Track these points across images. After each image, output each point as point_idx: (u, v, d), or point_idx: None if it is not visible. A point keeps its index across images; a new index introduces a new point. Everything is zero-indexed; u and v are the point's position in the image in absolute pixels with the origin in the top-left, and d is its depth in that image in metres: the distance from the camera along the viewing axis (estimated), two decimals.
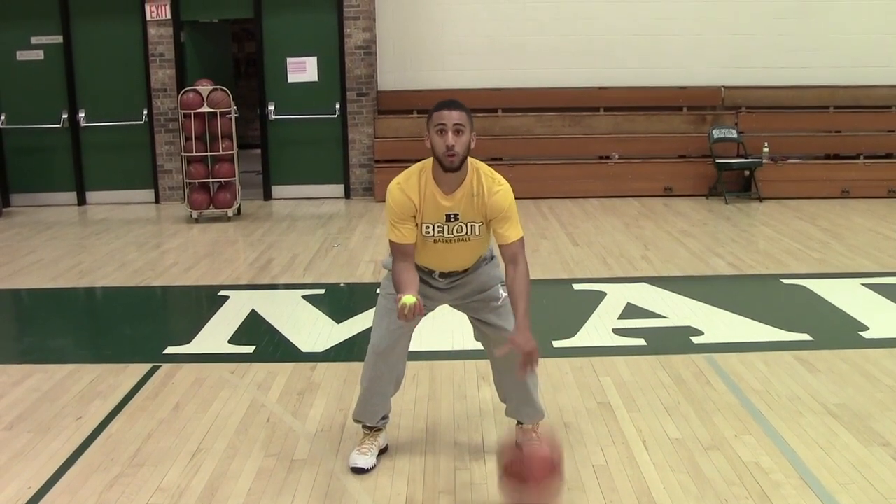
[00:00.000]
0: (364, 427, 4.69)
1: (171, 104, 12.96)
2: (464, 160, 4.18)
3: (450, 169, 4.16)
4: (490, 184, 4.25)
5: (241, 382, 5.86)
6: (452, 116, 4.14)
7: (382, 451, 4.72)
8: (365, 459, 4.57)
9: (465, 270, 4.48)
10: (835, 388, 5.57)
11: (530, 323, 4.14)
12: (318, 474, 4.54)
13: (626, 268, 8.82)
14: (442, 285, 4.46)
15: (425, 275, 4.47)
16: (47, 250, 10.11)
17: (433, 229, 4.30)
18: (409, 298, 4.01)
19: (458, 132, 4.11)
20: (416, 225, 4.31)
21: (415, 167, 4.32)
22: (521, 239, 4.31)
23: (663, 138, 13.51)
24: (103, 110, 13.20)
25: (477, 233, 4.31)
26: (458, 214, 4.26)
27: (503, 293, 4.48)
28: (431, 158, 4.24)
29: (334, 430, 5.09)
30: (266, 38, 13.24)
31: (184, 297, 8.47)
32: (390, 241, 4.32)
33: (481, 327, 4.59)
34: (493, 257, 4.59)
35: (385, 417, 4.71)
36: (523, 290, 4.20)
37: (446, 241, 4.33)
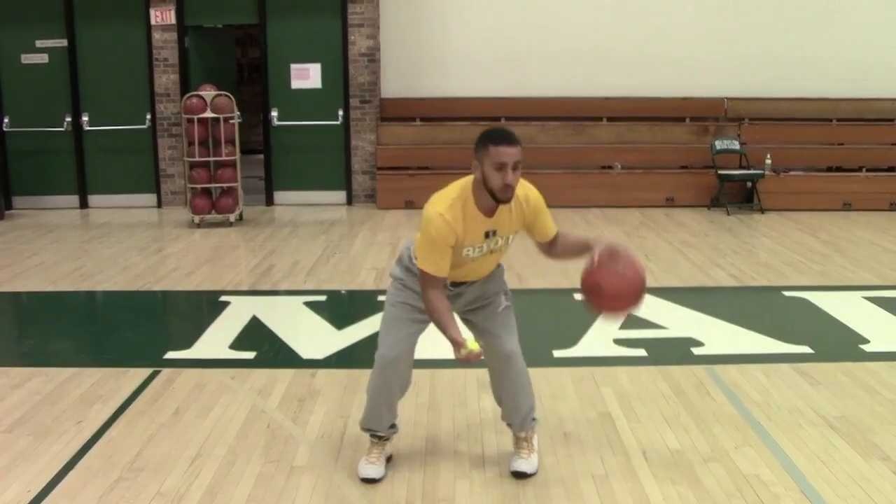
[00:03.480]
0: (372, 436, 4.67)
1: (174, 109, 12.98)
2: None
3: (503, 202, 4.15)
4: (523, 194, 4.27)
5: (242, 388, 5.86)
6: (512, 154, 4.06)
7: (388, 459, 4.72)
8: (375, 469, 4.57)
9: (474, 280, 4.49)
10: (835, 401, 5.57)
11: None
12: (318, 481, 4.55)
13: None
14: (450, 293, 4.44)
15: None
16: (49, 253, 10.12)
17: (473, 251, 4.29)
18: (474, 345, 4.09)
19: (515, 168, 4.07)
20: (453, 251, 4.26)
21: (455, 191, 4.22)
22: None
23: (665, 149, 13.52)
24: (107, 114, 13.22)
25: (509, 242, 4.37)
26: (496, 231, 4.27)
27: (504, 301, 4.52)
28: (470, 179, 4.19)
29: (334, 436, 5.09)
30: (270, 44, 13.26)
31: (185, 302, 8.47)
32: (423, 272, 4.23)
33: (479, 334, 4.58)
34: (499, 264, 4.61)
35: (393, 426, 4.69)
36: (573, 234, 4.52)
37: (483, 256, 4.35)
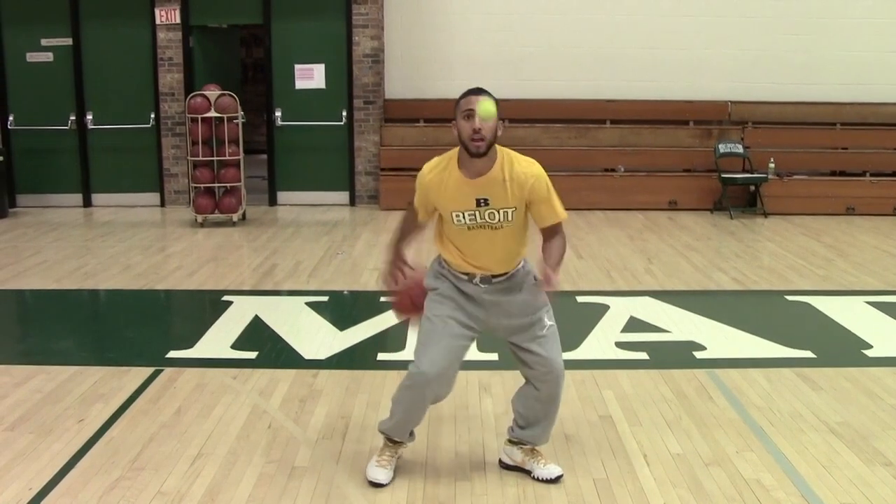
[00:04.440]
0: (387, 439, 4.63)
1: (178, 108, 12.99)
2: (490, 146, 4.19)
3: (475, 154, 4.17)
4: (524, 167, 4.27)
5: (244, 388, 5.87)
6: (480, 101, 4.17)
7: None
8: (384, 473, 4.54)
9: (508, 277, 4.42)
10: (837, 406, 5.57)
11: (559, 267, 4.33)
12: (319, 481, 4.55)
13: (629, 281, 8.82)
14: (484, 295, 4.39)
15: (465, 284, 4.42)
16: (52, 252, 10.13)
17: (464, 217, 4.29)
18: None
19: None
20: (432, 210, 4.43)
21: (444, 156, 4.37)
22: (561, 222, 4.40)
23: (669, 152, 13.51)
24: (111, 113, 13.23)
25: (510, 219, 4.28)
26: (488, 199, 4.25)
27: (548, 321, 4.46)
28: (459, 147, 4.27)
29: (335, 437, 5.09)
30: (274, 44, 13.27)
31: (187, 302, 8.48)
32: (410, 204, 4.55)
33: (523, 355, 4.50)
34: (536, 277, 4.49)
35: (412, 434, 4.66)
36: (557, 249, 4.38)
37: (481, 228, 4.30)
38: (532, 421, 4.63)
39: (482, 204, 4.25)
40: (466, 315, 4.42)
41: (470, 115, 4.14)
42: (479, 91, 4.25)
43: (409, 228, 4.64)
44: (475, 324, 4.45)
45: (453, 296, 4.43)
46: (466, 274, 4.41)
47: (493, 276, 4.41)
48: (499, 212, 4.27)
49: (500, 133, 4.24)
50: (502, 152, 4.29)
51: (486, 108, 4.13)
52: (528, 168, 4.27)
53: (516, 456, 4.69)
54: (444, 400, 4.61)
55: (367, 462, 4.65)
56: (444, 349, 4.35)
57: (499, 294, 4.42)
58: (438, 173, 4.31)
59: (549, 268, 4.20)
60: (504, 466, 4.72)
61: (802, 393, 5.79)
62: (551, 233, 4.39)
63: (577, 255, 9.91)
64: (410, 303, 4.60)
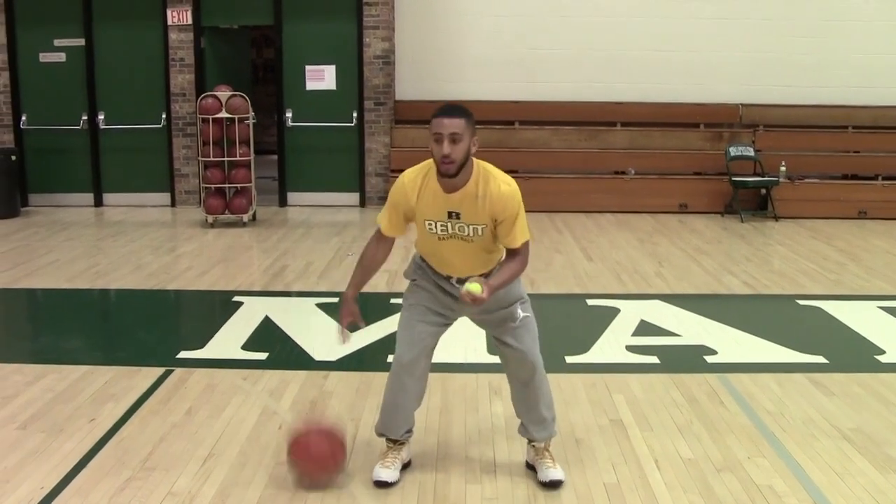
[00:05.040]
0: (387, 440, 4.67)
1: (189, 109, 13.01)
2: (461, 167, 4.15)
3: (445, 175, 4.16)
4: (498, 186, 4.21)
5: (254, 389, 5.87)
6: (450, 125, 4.12)
7: (406, 466, 4.70)
8: (389, 473, 4.54)
9: (483, 276, 4.43)
10: (850, 412, 5.55)
11: (495, 292, 4.23)
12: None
13: (640, 284, 8.80)
14: (459, 289, 4.43)
15: (444, 282, 4.48)
16: (64, 251, 10.15)
17: (436, 226, 4.31)
18: (475, 287, 4.06)
19: (454, 140, 4.10)
20: (407, 221, 4.42)
21: (425, 162, 4.34)
22: (527, 243, 4.34)
23: (679, 155, 13.51)
24: (122, 113, 13.26)
25: (480, 234, 4.28)
26: (459, 214, 4.25)
27: (521, 313, 4.47)
28: None
29: (346, 439, 5.08)
30: (285, 45, 13.29)
31: (198, 302, 8.48)
32: (379, 226, 4.51)
33: (498, 345, 4.60)
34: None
35: (409, 431, 4.69)
36: (507, 271, 4.31)
37: (451, 238, 4.32)
38: (521, 413, 4.72)
39: (453, 217, 4.27)
40: (440, 305, 4.52)
41: (439, 138, 4.11)
42: (449, 111, 4.20)
43: (370, 262, 4.57)
44: (449, 313, 4.55)
45: (429, 287, 4.52)
46: (444, 274, 4.49)
47: (469, 278, 4.42)
48: (468, 226, 4.27)
49: (474, 150, 4.21)
50: (479, 167, 4.26)
51: (472, 288, 4.09)
52: (502, 187, 4.22)
53: (529, 454, 4.73)
54: (421, 404, 4.72)
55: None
56: (417, 335, 4.47)
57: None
58: (418, 178, 4.31)
59: (487, 283, 4.14)
60: (527, 466, 4.73)
61: (814, 398, 5.77)
62: (512, 253, 4.35)
63: (587, 258, 9.91)
64: (307, 451, 4.50)
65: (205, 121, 11.58)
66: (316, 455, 4.47)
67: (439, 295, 4.51)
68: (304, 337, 7.00)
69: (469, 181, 4.22)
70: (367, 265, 4.56)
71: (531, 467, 4.69)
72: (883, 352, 6.79)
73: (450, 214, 4.26)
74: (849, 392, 5.89)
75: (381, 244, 4.53)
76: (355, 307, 4.54)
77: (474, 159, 4.24)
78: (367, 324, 7.08)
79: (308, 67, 13.30)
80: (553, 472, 4.55)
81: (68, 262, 9.60)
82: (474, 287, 4.03)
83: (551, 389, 4.69)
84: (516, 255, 4.33)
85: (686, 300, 8.17)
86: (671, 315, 7.70)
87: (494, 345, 4.64)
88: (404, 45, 13.88)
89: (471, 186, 4.22)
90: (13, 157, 12.52)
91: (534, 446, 4.69)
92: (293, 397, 5.72)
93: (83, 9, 13.04)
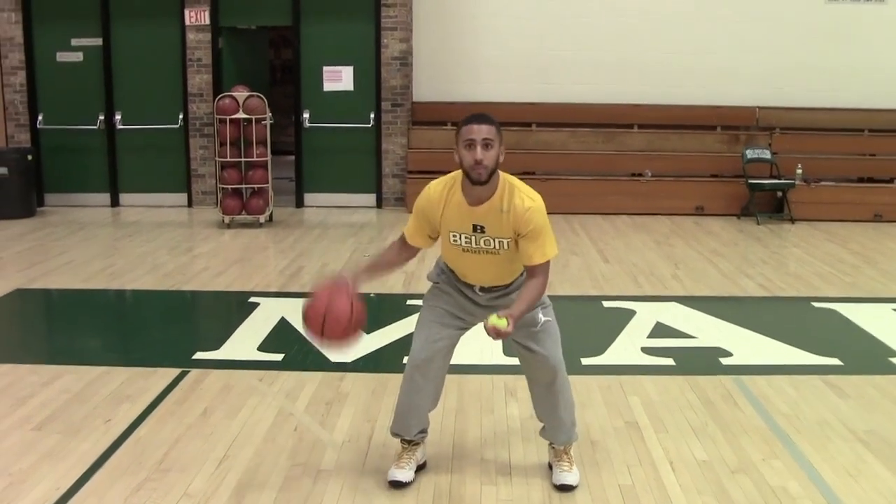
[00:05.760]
0: (402, 441, 4.68)
1: (206, 109, 13.04)
2: (492, 174, 4.16)
3: (477, 182, 4.15)
4: (522, 201, 4.20)
5: (270, 390, 5.88)
6: (482, 131, 4.13)
7: (421, 467, 4.71)
8: (403, 473, 4.56)
9: (507, 286, 4.46)
10: (865, 415, 5.54)
11: (520, 320, 4.16)
12: (345, 485, 4.55)
13: (656, 286, 8.80)
14: (483, 301, 4.44)
15: (467, 289, 4.49)
16: (80, 251, 10.19)
17: (460, 238, 4.31)
18: (499, 321, 4.01)
19: (486, 146, 4.11)
20: (431, 232, 4.43)
21: (451, 175, 4.34)
22: (547, 263, 4.28)
23: (696, 157, 13.48)
24: (139, 113, 13.30)
25: (506, 247, 4.28)
26: (484, 227, 4.25)
27: (542, 317, 4.46)
28: (461, 171, 4.25)
29: (361, 440, 5.10)
30: (303, 45, 13.31)
31: (214, 303, 8.51)
32: (402, 237, 4.55)
33: (518, 349, 4.59)
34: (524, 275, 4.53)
35: (423, 432, 4.69)
36: (528, 297, 4.22)
37: (475, 252, 4.32)
38: (542, 416, 4.73)
39: (478, 230, 4.27)
40: (461, 309, 4.53)
41: (471, 144, 4.12)
42: (480, 118, 4.21)
43: (385, 261, 4.65)
44: (468, 318, 4.55)
45: (451, 291, 4.54)
46: (468, 282, 4.49)
47: (494, 287, 4.47)
48: (494, 240, 4.27)
49: (501, 159, 4.21)
50: (505, 181, 4.26)
51: (497, 323, 4.05)
52: (526, 202, 4.21)
53: (550, 455, 4.74)
54: (436, 406, 4.74)
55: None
56: (434, 336, 4.48)
57: (496, 300, 4.47)
58: (444, 191, 4.32)
59: (510, 314, 4.07)
60: (549, 467, 4.74)
61: (829, 401, 5.76)
62: (532, 272, 4.29)
63: (603, 260, 9.90)
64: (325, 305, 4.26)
65: (222, 121, 11.61)
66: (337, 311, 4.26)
67: (460, 300, 4.52)
68: None
69: (495, 195, 4.22)
70: (381, 263, 4.64)
71: (552, 468, 4.71)
72: None
73: (475, 228, 4.26)
74: (863, 394, 5.88)
75: (402, 249, 4.57)
76: (352, 281, 4.39)
77: (500, 173, 4.25)
78: (383, 325, 7.18)
79: (325, 68, 13.31)
80: (567, 475, 4.56)
81: (84, 262, 9.64)
82: (500, 322, 4.00)
83: (570, 395, 4.70)
84: (535, 274, 4.26)
85: (702, 302, 8.16)
86: (687, 317, 7.69)
87: (515, 349, 4.62)
88: (422, 47, 13.90)
89: (496, 200, 4.22)
90: (30, 157, 12.57)
91: (553, 448, 4.71)
92: (309, 399, 5.74)
93: (101, 8, 13.08)
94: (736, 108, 13.95)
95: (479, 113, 4.28)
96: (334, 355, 5.93)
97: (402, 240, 4.54)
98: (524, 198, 4.22)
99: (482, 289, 4.46)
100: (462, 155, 4.16)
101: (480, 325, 4.18)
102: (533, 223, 4.19)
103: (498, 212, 4.21)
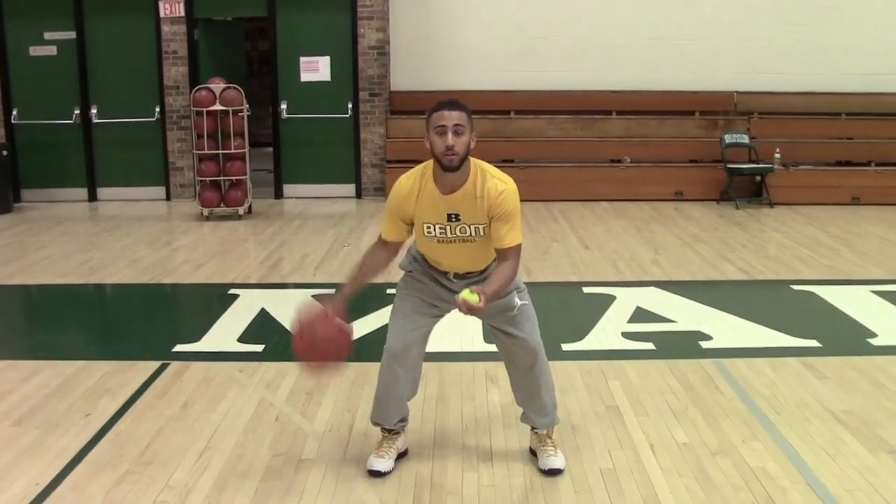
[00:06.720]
0: (382, 430, 4.68)
1: (183, 102, 12.99)
2: (463, 160, 4.16)
3: (449, 168, 4.15)
4: (494, 184, 4.21)
5: (250, 381, 5.88)
6: (452, 117, 4.13)
7: (402, 455, 4.72)
8: (382, 463, 4.57)
9: (481, 272, 4.47)
10: (842, 395, 5.57)
11: (492, 300, 4.12)
12: (326, 474, 4.55)
13: (636, 271, 8.82)
14: (457, 287, 4.39)
15: (440, 276, 4.49)
16: (58, 246, 10.14)
17: (434, 229, 4.30)
18: (472, 297, 3.96)
19: (457, 132, 4.11)
20: (409, 226, 4.39)
21: (420, 166, 4.33)
22: (518, 245, 4.29)
23: (675, 143, 13.51)
24: (115, 107, 13.23)
25: (482, 234, 4.28)
26: (459, 215, 4.25)
27: (518, 301, 4.46)
28: (432, 160, 4.24)
29: (342, 430, 5.10)
30: (279, 36, 13.26)
31: (194, 295, 8.49)
32: (378, 239, 4.49)
33: (497, 334, 4.60)
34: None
35: (403, 420, 4.69)
36: (500, 278, 4.20)
37: (450, 242, 4.32)
38: (522, 401, 4.73)
39: (453, 219, 4.26)
40: (435, 297, 4.52)
41: (443, 130, 4.11)
42: (451, 104, 4.19)
43: (368, 266, 4.50)
44: (443, 305, 4.53)
45: (424, 279, 4.52)
46: (441, 269, 4.49)
47: (468, 273, 4.46)
48: (470, 227, 4.27)
49: (473, 146, 4.20)
50: (476, 166, 4.26)
51: (469, 298, 4.00)
52: (500, 185, 4.22)
53: (532, 440, 4.75)
54: (416, 394, 4.75)
55: None
56: (410, 325, 4.47)
57: (472, 285, 4.41)
58: (415, 183, 4.29)
59: (482, 290, 4.03)
60: (531, 452, 4.75)
61: (808, 382, 5.79)
62: (504, 255, 4.28)
63: (583, 246, 9.92)
64: (308, 340, 4.26)
65: (199, 113, 11.57)
66: (323, 337, 4.26)
67: (434, 287, 4.51)
68: None
69: (467, 181, 4.22)
70: (365, 269, 4.50)
71: (534, 453, 4.71)
72: (875, 335, 6.82)
73: (449, 217, 4.25)
74: (842, 375, 5.91)
75: (382, 250, 4.48)
76: (340, 304, 4.36)
77: (472, 159, 4.24)
78: (364, 314, 7.17)
79: (302, 59, 13.27)
80: (553, 460, 4.57)
81: (62, 257, 9.60)
82: (472, 297, 3.96)
83: (550, 378, 4.70)
84: (506, 258, 4.26)
85: (682, 287, 8.19)
86: (667, 301, 7.71)
87: (493, 335, 4.63)
88: (399, 36, 13.88)
89: (469, 186, 4.22)
90: (4, 153, 12.51)
91: (536, 433, 4.72)
92: (289, 389, 5.73)
93: (73, 1, 12.99)
94: (714, 94, 13.97)
95: (450, 99, 4.27)
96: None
97: (381, 240, 4.49)
98: (497, 182, 4.22)
99: (456, 275, 4.46)
100: (433, 141, 4.15)
101: (457, 312, 4.17)
102: (507, 205, 4.20)
103: (472, 198, 4.21)
